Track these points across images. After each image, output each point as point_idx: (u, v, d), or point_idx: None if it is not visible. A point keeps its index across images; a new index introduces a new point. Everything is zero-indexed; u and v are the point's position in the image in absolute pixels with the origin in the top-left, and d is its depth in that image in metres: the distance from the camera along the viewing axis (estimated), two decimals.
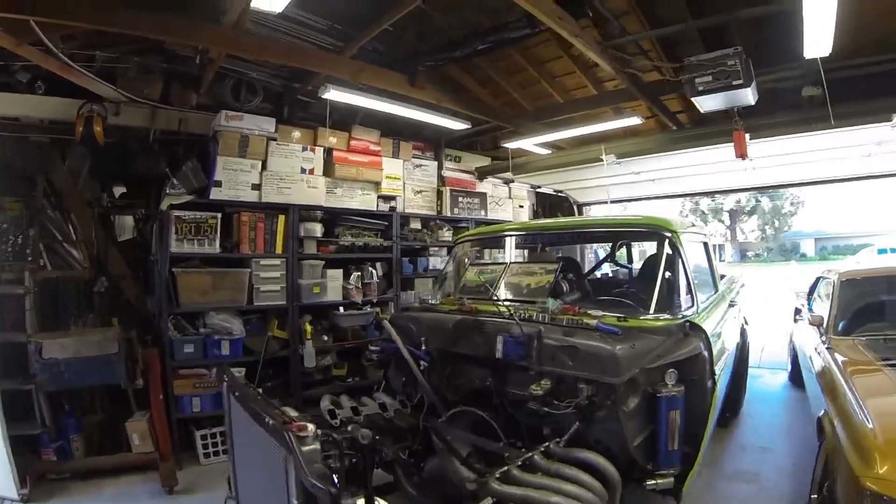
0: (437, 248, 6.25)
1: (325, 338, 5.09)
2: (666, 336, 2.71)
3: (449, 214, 6.35)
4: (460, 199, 6.48)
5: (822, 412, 2.97)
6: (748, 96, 3.43)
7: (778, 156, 5.24)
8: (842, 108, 3.97)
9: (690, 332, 2.81)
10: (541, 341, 2.60)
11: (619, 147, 5.27)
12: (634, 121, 4.77)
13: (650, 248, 5.12)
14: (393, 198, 5.84)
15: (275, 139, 4.81)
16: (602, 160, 5.46)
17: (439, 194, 6.31)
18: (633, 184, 7.02)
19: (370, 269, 5.51)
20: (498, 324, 2.82)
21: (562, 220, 4.42)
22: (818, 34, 3.05)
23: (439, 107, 5.05)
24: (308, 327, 4.86)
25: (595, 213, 8.60)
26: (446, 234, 6.32)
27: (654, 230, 3.30)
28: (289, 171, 4.91)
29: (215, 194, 4.46)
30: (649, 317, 2.87)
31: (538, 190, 7.64)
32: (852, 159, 5.65)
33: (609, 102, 5.12)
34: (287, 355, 4.81)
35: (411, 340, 3.08)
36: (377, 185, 5.63)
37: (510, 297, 3.36)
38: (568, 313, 2.86)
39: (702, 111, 3.71)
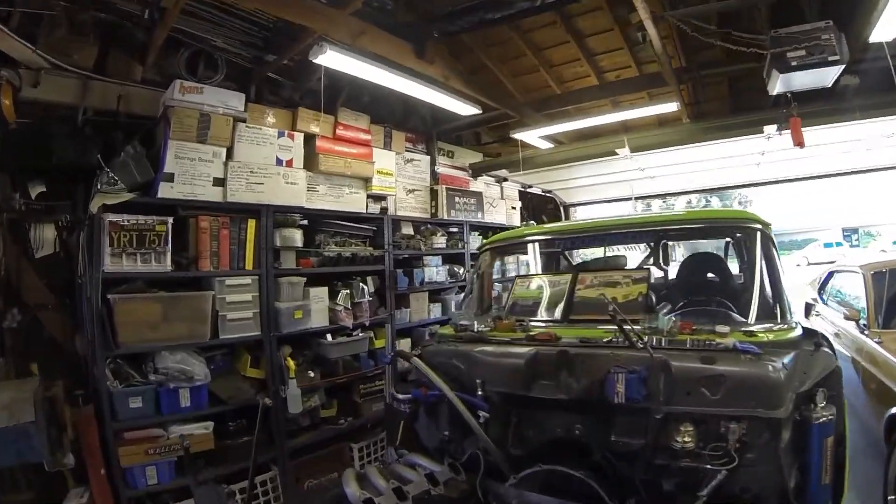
0: (431, 258, 5.53)
1: (312, 374, 4.21)
2: (799, 350, 2.35)
3: (445, 217, 5.65)
4: (456, 199, 5.80)
5: None
6: (831, 75, 3.08)
7: (784, 150, 5.00)
8: (872, 98, 3.80)
9: (821, 342, 2.49)
10: (670, 374, 2.10)
11: (641, 139, 4.79)
12: (672, 107, 4.31)
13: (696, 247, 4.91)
14: (384, 197, 5.06)
15: (244, 120, 3.91)
16: (617, 153, 4.98)
17: (433, 194, 5.60)
18: (626, 182, 6.65)
19: (360, 284, 4.69)
20: (603, 355, 2.30)
21: (629, 217, 3.86)
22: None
23: (447, 86, 4.35)
24: (291, 363, 3.97)
25: (581, 214, 8.19)
26: (440, 241, 5.64)
27: (746, 223, 3.03)
28: (261, 162, 4.01)
29: (165, 191, 3.50)
30: (773, 328, 2.47)
31: (527, 190, 7.08)
32: (854, 153, 5.58)
33: (637, 88, 4.69)
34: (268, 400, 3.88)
35: (459, 383, 2.56)
36: (367, 181, 4.83)
37: (591, 317, 2.78)
38: (685, 332, 2.40)
39: (774, 92, 3.33)
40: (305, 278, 4.23)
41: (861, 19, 2.93)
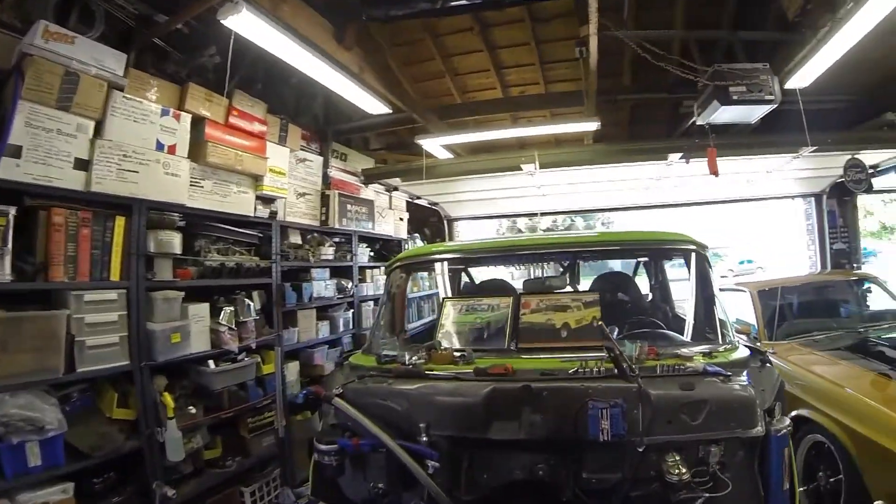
0: (319, 270, 5.11)
1: (193, 409, 3.53)
2: (750, 367, 2.53)
3: (337, 226, 5.27)
4: (349, 206, 5.45)
5: (803, 411, 3.51)
6: (759, 113, 3.61)
7: (677, 177, 5.76)
8: (769, 137, 4.54)
9: (765, 358, 2.70)
10: (650, 403, 2.12)
11: (548, 156, 5.06)
12: (592, 126, 4.62)
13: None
14: (274, 200, 4.52)
15: (121, 88, 3.17)
16: (521, 168, 5.19)
17: (325, 199, 5.19)
18: (518, 198, 6.99)
19: (246, 300, 4.09)
20: (573, 389, 2.21)
21: (568, 234, 3.83)
22: (810, 69, 3.43)
23: (361, 79, 4.09)
24: (168, 398, 3.27)
25: (465, 229, 8.37)
26: (328, 252, 5.23)
27: (686, 245, 3.13)
28: (139, 144, 3.29)
29: (8, 170, 2.66)
30: (720, 348, 2.63)
31: (415, 201, 7.00)
32: (736, 184, 6.58)
33: (545, 105, 4.95)
34: (140, 446, 3.14)
35: (397, 428, 2.28)
36: (257, 180, 4.27)
37: (544, 345, 2.73)
38: (651, 357, 2.45)
39: (703, 122, 3.76)
40: (183, 293, 3.54)
41: (780, 66, 3.43)
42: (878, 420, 2.96)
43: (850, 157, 5.04)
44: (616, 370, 2.20)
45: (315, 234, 5.21)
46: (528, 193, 6.63)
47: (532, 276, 4.32)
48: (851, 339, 4.09)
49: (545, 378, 2.28)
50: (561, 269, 4.08)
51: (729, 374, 2.23)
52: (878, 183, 5.67)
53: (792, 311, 4.76)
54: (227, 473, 3.76)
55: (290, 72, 3.99)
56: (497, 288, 4.15)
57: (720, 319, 2.85)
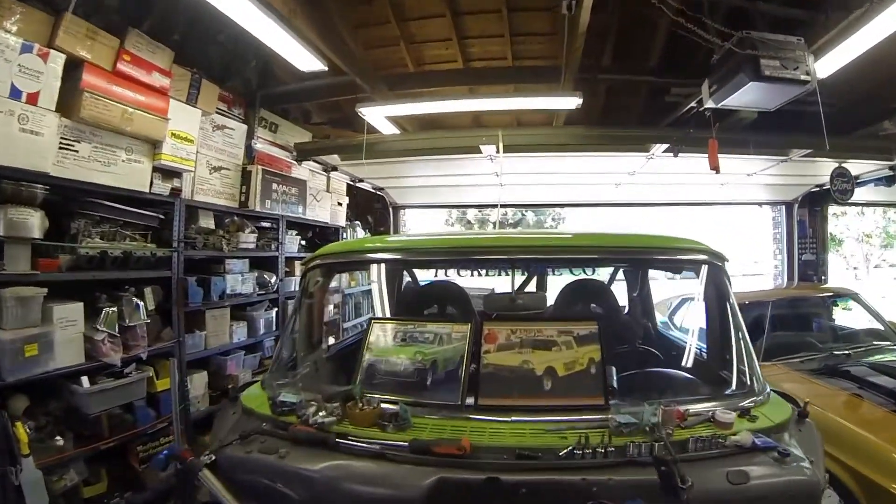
0: (235, 261, 4.46)
1: (60, 440, 2.87)
2: (793, 429, 2.07)
3: (258, 208, 4.59)
4: (275, 186, 4.78)
5: None
6: (782, 98, 3.19)
7: (652, 174, 5.45)
8: (768, 137, 4.27)
9: (803, 410, 2.20)
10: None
11: (515, 136, 4.54)
12: (572, 103, 4.09)
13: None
14: (178, 174, 3.83)
15: None
16: (480, 150, 4.68)
17: (246, 176, 4.51)
18: (473, 187, 6.50)
19: (134, 299, 3.40)
20: (568, 484, 1.68)
21: (543, 235, 3.11)
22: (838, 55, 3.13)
23: (291, 24, 3.44)
24: (22, 430, 2.58)
25: (411, 218, 7.81)
26: (249, 239, 4.59)
27: (702, 256, 2.51)
28: None
29: None
30: (756, 400, 2.14)
31: (357, 185, 6.37)
32: (710, 186, 6.36)
33: (521, 79, 4.48)
34: None
35: None
36: (155, 147, 3.56)
37: (519, 403, 2.08)
38: (677, 422, 1.91)
39: (717, 104, 3.31)
40: (46, 289, 2.85)
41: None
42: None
43: (836, 165, 4.91)
44: (661, 485, 1.63)
45: (235, 219, 4.54)
46: (484, 182, 6.13)
47: (496, 291, 3.66)
48: (839, 361, 3.83)
49: (522, 464, 1.71)
50: (526, 276, 3.40)
51: (785, 449, 1.78)
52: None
53: (773, 328, 4.39)
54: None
55: (217, 23, 3.32)
56: (448, 297, 3.47)
57: (747, 354, 2.34)
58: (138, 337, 3.40)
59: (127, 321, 3.31)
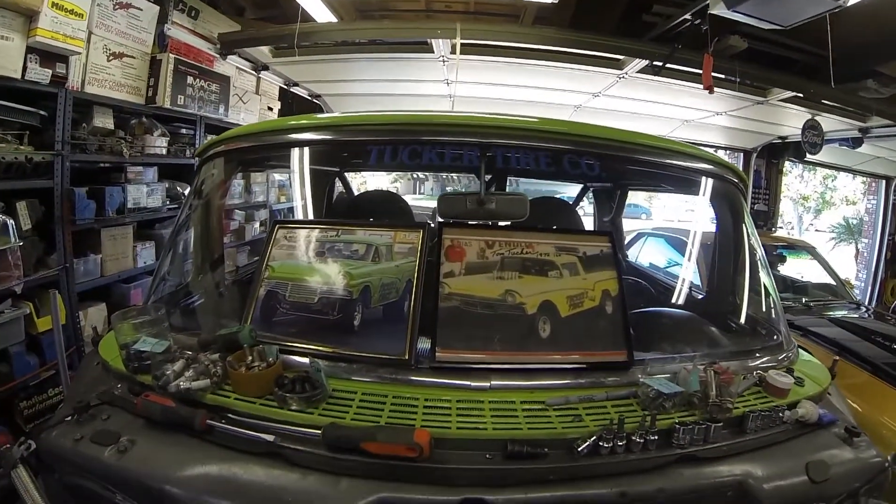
0: (141, 170, 3.75)
1: None
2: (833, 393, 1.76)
3: (168, 104, 3.83)
4: (190, 80, 3.99)
5: None
6: (804, 14, 2.79)
7: (615, 98, 5.10)
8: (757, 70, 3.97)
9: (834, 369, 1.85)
10: None
11: (473, 31, 3.85)
12: None
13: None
14: (64, 57, 3.02)
15: None
16: (428, 43, 4.00)
17: (155, 66, 3.71)
18: (420, 96, 5.87)
19: (2, 218, 2.72)
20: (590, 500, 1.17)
21: (528, 118, 1.87)
22: None
23: None
24: None
25: None
26: (159, 143, 3.89)
27: (728, 175, 1.96)
28: None
29: None
30: (789, 356, 1.74)
31: (290, 89, 5.57)
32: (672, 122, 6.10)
33: None
34: None
35: None
36: (31, 19, 2.74)
37: (503, 360, 1.46)
38: (730, 385, 1.40)
39: (717, 10, 2.89)
40: None
41: None
42: None
43: (809, 117, 4.72)
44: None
45: (143, 119, 3.78)
46: (433, 92, 5.53)
47: (452, 190, 2.94)
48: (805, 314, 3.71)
49: (518, 470, 1.16)
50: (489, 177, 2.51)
51: (853, 426, 1.45)
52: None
53: None
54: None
55: None
56: (388, 210, 2.84)
57: (776, 298, 1.94)
58: (10, 265, 2.73)
59: None
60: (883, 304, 6.66)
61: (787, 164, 6.92)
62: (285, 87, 5.45)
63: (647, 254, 4.92)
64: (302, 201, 2.24)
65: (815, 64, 4.30)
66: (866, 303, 5.53)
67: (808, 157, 5.76)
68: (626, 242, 4.97)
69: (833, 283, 4.53)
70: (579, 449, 1.18)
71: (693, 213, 2.98)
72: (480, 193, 1.67)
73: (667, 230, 5.03)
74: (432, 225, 1.74)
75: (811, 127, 4.77)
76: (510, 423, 1.25)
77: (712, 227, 2.24)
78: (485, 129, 1.71)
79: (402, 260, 1.58)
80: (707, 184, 1.97)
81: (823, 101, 4.40)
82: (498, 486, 1.13)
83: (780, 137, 5.97)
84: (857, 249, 8.38)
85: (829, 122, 4.86)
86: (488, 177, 1.75)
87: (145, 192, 3.73)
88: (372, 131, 1.81)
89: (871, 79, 4.15)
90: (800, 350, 1.82)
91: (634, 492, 1.14)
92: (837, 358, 1.85)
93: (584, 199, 3.99)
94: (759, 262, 1.99)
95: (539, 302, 1.51)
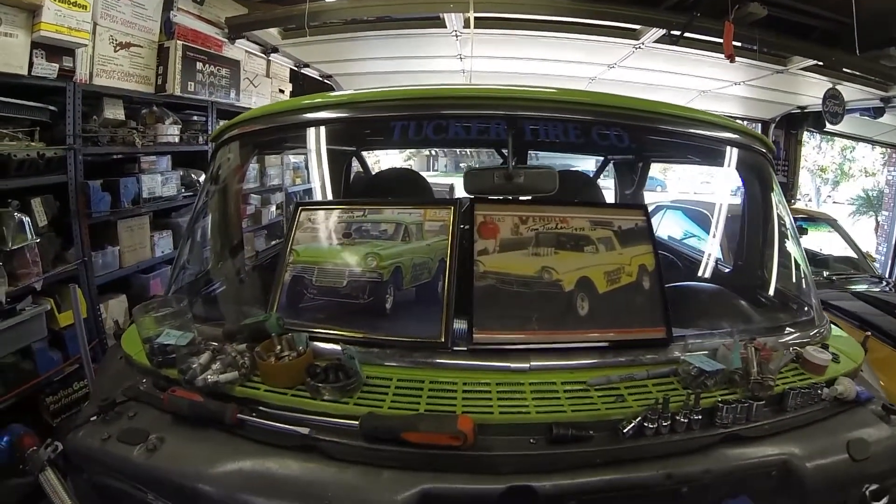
0: (155, 159, 3.74)
1: None
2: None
3: (179, 91, 3.77)
4: (200, 67, 3.92)
5: None
6: None
7: (630, 69, 4.96)
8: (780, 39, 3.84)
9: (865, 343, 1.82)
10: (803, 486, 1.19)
11: (484, 3, 3.64)
12: None
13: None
14: (70, 50, 2.96)
15: None
16: (442, 21, 3.91)
17: (163, 54, 3.64)
18: (434, 73, 5.74)
19: (18, 216, 2.70)
20: (639, 482, 1.12)
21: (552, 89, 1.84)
22: None
23: None
24: None
25: None
26: (171, 132, 3.86)
27: (757, 146, 1.88)
28: None
29: None
30: (821, 332, 1.69)
31: (301, 71, 5.46)
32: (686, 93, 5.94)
33: None
34: None
35: None
36: (34, 14, 2.68)
37: (541, 339, 1.40)
38: (770, 362, 1.34)
39: None
40: None
41: None
42: None
43: (830, 86, 4.55)
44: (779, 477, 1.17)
45: (154, 108, 3.74)
46: (446, 68, 5.41)
47: (475, 165, 2.78)
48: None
49: (564, 454, 1.12)
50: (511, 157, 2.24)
51: (890, 403, 1.40)
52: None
53: None
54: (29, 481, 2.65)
55: None
56: (407, 189, 2.71)
57: (807, 270, 1.87)
58: (28, 262, 2.73)
59: (10, 244, 2.62)
60: None
61: (805, 134, 6.71)
62: (296, 68, 5.35)
63: (666, 227, 4.78)
64: (320, 182, 2.14)
65: (835, 31, 4.12)
66: (887, 276, 5.39)
67: (828, 127, 5.55)
68: None
69: (854, 256, 4.42)
70: (624, 430, 1.14)
71: (716, 185, 2.86)
72: (509, 167, 1.62)
73: (687, 202, 4.89)
74: (464, 201, 1.65)
75: (832, 96, 4.61)
76: (553, 405, 1.22)
77: (737, 199, 2.18)
78: (510, 100, 1.64)
79: (434, 238, 1.51)
80: (734, 154, 1.88)
81: (845, 69, 4.23)
82: (544, 472, 1.09)
83: (800, 107, 5.78)
84: (878, 222, 8.16)
85: (850, 92, 4.69)
86: (513, 151, 1.68)
87: (160, 182, 3.71)
88: (392, 107, 1.73)
89: (893, 47, 3.96)
90: (831, 325, 1.76)
91: (681, 473, 1.12)
92: (869, 333, 1.80)
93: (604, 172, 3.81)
94: (789, 234, 1.93)
95: (576, 278, 1.46)
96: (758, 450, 1.20)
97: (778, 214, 1.94)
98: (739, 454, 1.18)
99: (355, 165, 3.42)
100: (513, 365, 1.34)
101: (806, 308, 1.79)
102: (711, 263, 2.43)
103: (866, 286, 3.96)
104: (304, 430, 1.13)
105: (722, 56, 3.58)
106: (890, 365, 2.65)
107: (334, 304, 1.47)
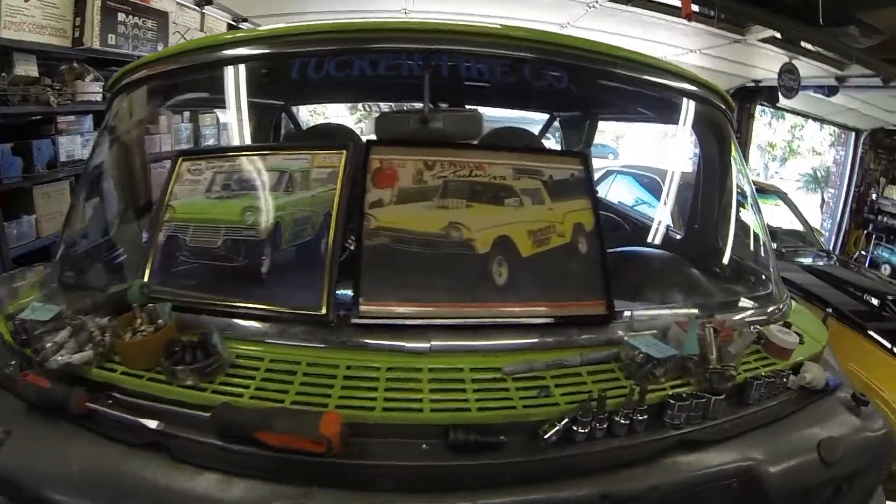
0: (75, 119, 3.44)
1: None
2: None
3: (97, 45, 3.43)
4: (122, 17, 3.60)
5: None
6: None
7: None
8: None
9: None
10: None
11: None
12: None
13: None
14: None
15: None
16: None
17: (80, 3, 3.31)
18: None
19: None
20: None
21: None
22: None
23: None
24: None
25: None
26: (92, 90, 3.53)
27: (716, 100, 1.66)
28: None
29: None
30: (781, 307, 1.51)
31: (241, 25, 5.10)
32: None
33: None
34: None
35: None
36: None
37: (448, 312, 1.15)
38: (730, 345, 1.14)
39: None
40: None
41: None
42: None
43: (787, 60, 4.53)
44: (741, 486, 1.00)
45: (75, 65, 3.41)
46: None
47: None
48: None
49: (465, 468, 0.90)
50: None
51: (861, 394, 1.22)
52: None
53: None
54: None
55: None
56: (338, 140, 2.34)
57: (766, 239, 1.71)
58: None
59: None
60: (846, 253, 6.73)
61: (757, 109, 6.69)
62: (234, 23, 5.01)
63: (616, 193, 4.66)
64: (240, 139, 1.66)
65: (796, 4, 4.04)
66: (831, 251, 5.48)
67: (781, 102, 5.55)
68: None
69: (803, 229, 4.43)
70: (546, 436, 0.91)
71: (670, 145, 2.61)
72: (424, 110, 1.35)
73: (638, 167, 4.77)
74: (358, 144, 1.36)
75: (788, 70, 4.62)
76: (455, 400, 0.97)
77: (692, 162, 2.01)
78: (430, 33, 1.34)
79: (320, 188, 1.23)
80: (690, 107, 1.65)
81: (803, 43, 4.23)
82: (436, 490, 0.88)
83: (754, 81, 5.80)
84: (823, 199, 8.35)
85: (806, 68, 4.71)
86: (433, 93, 1.41)
87: (80, 143, 3.45)
88: (309, 41, 1.40)
89: (853, 25, 3.90)
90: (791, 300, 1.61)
91: (620, 491, 0.91)
92: (829, 310, 1.68)
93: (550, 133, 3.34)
94: (748, 199, 1.76)
95: (493, 238, 1.19)
96: (716, 456, 1.00)
97: (736, 177, 1.77)
98: (694, 463, 0.98)
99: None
100: (408, 345, 1.09)
101: (765, 280, 1.61)
102: (663, 229, 2.17)
103: (812, 259, 3.96)
104: (153, 424, 0.92)
105: (679, 20, 3.45)
106: (836, 338, 2.63)
107: (207, 268, 1.23)
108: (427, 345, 1.09)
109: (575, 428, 0.92)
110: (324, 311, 1.09)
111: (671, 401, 1.00)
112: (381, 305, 1.11)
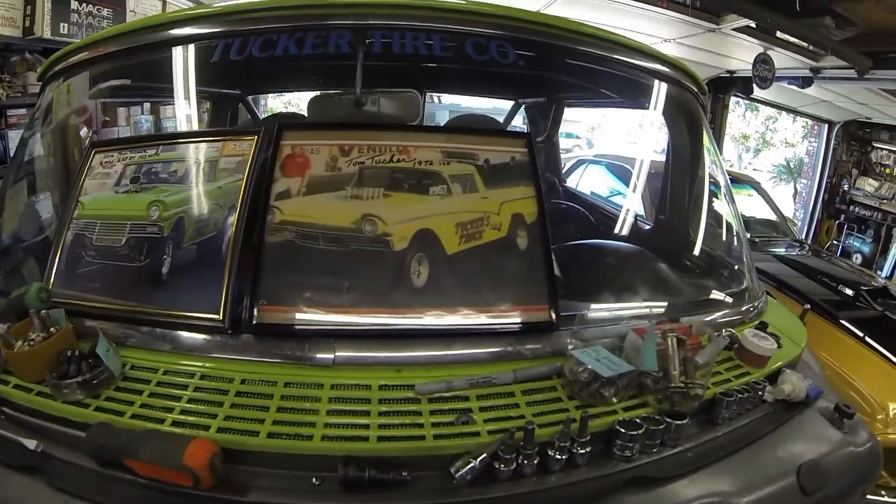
0: (25, 113, 3.23)
1: None
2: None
3: (49, 35, 3.31)
4: (74, 5, 3.51)
5: None
6: None
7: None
8: None
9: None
10: None
11: None
12: None
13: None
14: None
15: None
16: None
17: None
18: None
19: None
20: None
21: None
22: None
23: None
24: None
25: None
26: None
27: (678, 76, 1.55)
28: None
29: None
30: (757, 306, 1.40)
31: None
32: None
33: None
34: None
35: None
36: None
37: (356, 321, 1.03)
38: (697, 355, 1.00)
39: None
40: None
41: None
42: None
43: (762, 51, 4.55)
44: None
45: (27, 55, 3.25)
46: None
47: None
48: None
49: (357, 502, 0.79)
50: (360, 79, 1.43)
51: (846, 405, 1.09)
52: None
53: None
54: None
55: None
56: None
57: (740, 231, 1.61)
58: None
59: None
60: (818, 243, 6.82)
61: (731, 100, 6.66)
62: None
63: (587, 183, 4.54)
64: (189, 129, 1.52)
65: None
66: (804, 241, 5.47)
67: (756, 93, 5.51)
68: (563, 171, 4.10)
69: (776, 219, 4.38)
70: (457, 474, 0.76)
71: (639, 130, 2.43)
72: (356, 91, 1.21)
73: (611, 156, 4.70)
74: (271, 128, 1.21)
75: (763, 61, 4.61)
76: (355, 424, 0.83)
77: (663, 149, 1.86)
78: (365, 7, 1.19)
79: (228, 179, 1.11)
80: (660, 90, 1.53)
81: (778, 33, 4.20)
82: None
83: (729, 71, 5.79)
84: (796, 189, 8.42)
85: (781, 59, 4.69)
86: (365, 72, 1.26)
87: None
88: (245, 20, 1.25)
89: (830, 16, 3.84)
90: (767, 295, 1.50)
91: None
92: (808, 306, 1.56)
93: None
94: (721, 188, 1.65)
95: (413, 232, 1.05)
96: (676, 494, 0.84)
97: (708, 163, 1.68)
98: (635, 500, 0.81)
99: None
100: (310, 356, 0.96)
101: (739, 275, 1.49)
102: (630, 220, 1.95)
103: (786, 249, 3.91)
104: (32, 444, 0.83)
105: (652, 8, 3.34)
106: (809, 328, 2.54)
107: (110, 269, 1.11)
108: (331, 356, 0.95)
109: (496, 464, 0.77)
110: (220, 316, 0.97)
111: (620, 429, 0.84)
112: (279, 311, 0.99)
